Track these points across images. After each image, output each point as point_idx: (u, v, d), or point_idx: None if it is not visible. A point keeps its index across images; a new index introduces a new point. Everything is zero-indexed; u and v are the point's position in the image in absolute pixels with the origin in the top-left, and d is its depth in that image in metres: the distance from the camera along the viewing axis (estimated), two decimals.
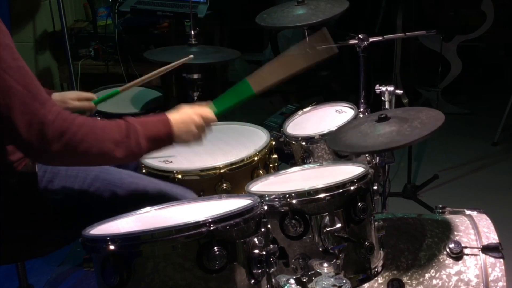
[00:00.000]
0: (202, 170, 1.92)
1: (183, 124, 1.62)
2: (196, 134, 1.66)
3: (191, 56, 2.22)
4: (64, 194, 1.67)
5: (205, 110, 1.70)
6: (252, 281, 1.28)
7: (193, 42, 2.62)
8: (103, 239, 1.23)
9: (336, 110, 2.29)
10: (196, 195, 1.82)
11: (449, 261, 1.76)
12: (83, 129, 1.44)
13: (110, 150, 1.48)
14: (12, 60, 1.39)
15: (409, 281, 1.74)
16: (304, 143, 2.12)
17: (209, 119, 1.70)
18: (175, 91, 3.93)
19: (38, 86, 1.43)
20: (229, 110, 1.79)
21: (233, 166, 1.94)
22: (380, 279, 1.75)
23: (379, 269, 1.62)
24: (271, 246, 1.32)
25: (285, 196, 1.50)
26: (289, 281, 1.38)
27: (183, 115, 1.64)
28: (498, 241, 1.78)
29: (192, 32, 2.62)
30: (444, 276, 1.74)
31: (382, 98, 2.16)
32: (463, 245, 1.77)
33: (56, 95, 1.98)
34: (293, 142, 2.16)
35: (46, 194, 1.66)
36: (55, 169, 1.67)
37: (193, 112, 1.66)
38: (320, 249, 1.51)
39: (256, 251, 1.28)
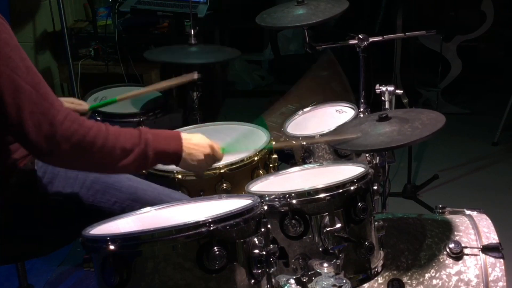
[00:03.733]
0: None
1: (193, 148, 1.61)
2: (201, 163, 1.64)
3: (195, 75, 2.21)
4: (63, 195, 1.67)
5: (217, 146, 1.69)
6: (252, 281, 1.28)
7: (193, 42, 2.62)
8: (103, 239, 1.23)
9: (336, 110, 2.29)
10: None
11: (449, 261, 1.76)
12: (92, 132, 1.43)
13: (119, 157, 1.47)
14: (21, 60, 1.39)
15: (409, 281, 1.74)
16: (304, 143, 2.12)
17: (217, 155, 1.69)
18: (175, 91, 3.93)
19: (47, 86, 1.43)
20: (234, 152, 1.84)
21: (233, 166, 1.94)
22: (380, 279, 1.75)
23: (379, 269, 1.62)
24: (271, 246, 1.32)
25: (285, 196, 1.50)
26: (289, 281, 1.38)
27: (196, 140, 1.64)
28: (498, 241, 1.78)
29: (192, 32, 2.62)
30: (444, 276, 1.74)
31: (382, 98, 2.16)
32: (463, 245, 1.77)
33: None
34: (293, 142, 2.16)
35: (45, 195, 1.66)
36: (55, 170, 1.67)
37: (206, 142, 1.66)
38: (320, 249, 1.51)
39: (256, 251, 1.28)
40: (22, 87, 1.37)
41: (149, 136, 1.53)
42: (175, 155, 1.59)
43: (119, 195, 1.71)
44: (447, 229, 1.84)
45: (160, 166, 1.95)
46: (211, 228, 1.21)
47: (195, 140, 1.64)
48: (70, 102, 2.01)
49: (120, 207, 1.69)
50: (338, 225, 1.49)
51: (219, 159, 1.71)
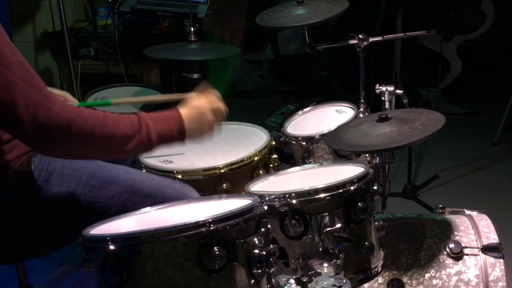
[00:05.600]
0: (202, 170, 1.92)
1: (194, 121, 1.60)
2: (207, 131, 1.64)
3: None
4: (61, 193, 1.67)
5: (215, 103, 1.67)
6: (252, 281, 1.28)
7: (192, 39, 2.62)
8: (103, 239, 1.23)
9: (336, 110, 2.29)
10: (194, 190, 1.82)
11: (449, 261, 1.76)
12: (90, 120, 1.44)
13: (120, 143, 1.48)
14: (12, 55, 1.39)
15: (409, 281, 1.74)
16: (304, 143, 2.12)
17: (221, 112, 1.67)
18: (175, 91, 3.93)
19: (40, 80, 1.43)
20: (228, 84, 1.77)
21: (233, 166, 1.94)
22: (380, 279, 1.75)
23: (379, 269, 1.62)
24: (271, 246, 1.32)
25: (285, 196, 1.50)
26: (289, 281, 1.38)
27: (195, 111, 1.62)
28: (498, 241, 1.78)
29: (192, 29, 2.62)
30: (444, 276, 1.74)
31: (382, 98, 2.16)
32: (463, 245, 1.77)
33: None
34: (293, 142, 2.16)
35: (42, 194, 1.66)
36: (50, 167, 1.67)
37: (204, 108, 1.63)
38: (320, 249, 1.51)
39: (256, 251, 1.28)
40: (15, 82, 1.37)
41: (149, 121, 1.52)
42: (179, 136, 1.58)
43: (116, 188, 1.71)
44: (447, 229, 1.84)
45: (160, 166, 1.96)
46: (211, 228, 1.21)
47: (195, 112, 1.61)
48: (62, 97, 2.01)
49: (119, 200, 1.70)
50: (338, 225, 1.49)
51: (223, 114, 1.68)
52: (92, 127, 1.44)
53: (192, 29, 2.63)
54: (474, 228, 1.84)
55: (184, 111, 1.61)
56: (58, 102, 1.42)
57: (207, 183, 1.91)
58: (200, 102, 1.65)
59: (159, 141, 1.54)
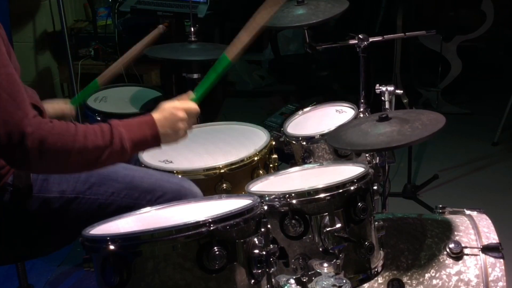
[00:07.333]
0: (202, 170, 1.92)
1: (167, 123, 1.57)
2: (182, 130, 1.61)
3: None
4: (60, 191, 1.67)
5: (186, 103, 1.64)
6: (252, 281, 1.28)
7: (193, 39, 2.62)
8: (103, 239, 1.23)
9: (336, 110, 2.29)
10: (192, 183, 1.81)
11: (449, 261, 1.76)
12: (63, 137, 1.41)
13: (94, 156, 1.45)
14: (2, 66, 1.38)
15: (409, 281, 1.74)
16: (304, 143, 2.12)
17: (193, 111, 1.63)
18: (175, 91, 3.92)
19: (24, 94, 1.41)
20: (209, 89, 1.73)
21: (233, 166, 1.94)
22: (380, 279, 1.75)
23: (379, 269, 1.62)
24: (271, 246, 1.32)
25: (285, 196, 1.50)
26: (289, 281, 1.38)
27: (167, 113, 1.58)
28: (498, 241, 1.78)
29: (192, 29, 2.62)
30: (444, 276, 1.74)
31: (382, 98, 2.16)
32: (463, 245, 1.77)
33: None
34: (293, 142, 2.16)
35: (42, 193, 1.66)
36: None
37: (175, 108, 1.60)
38: (320, 249, 1.51)
39: (256, 251, 1.28)
40: None
41: (122, 129, 1.49)
42: (153, 139, 1.55)
43: (116, 185, 1.71)
44: (447, 229, 1.84)
45: (160, 166, 1.95)
46: (211, 228, 1.21)
47: (165, 113, 1.58)
48: (59, 109, 1.98)
49: (118, 196, 1.70)
50: (338, 225, 1.49)
51: (196, 112, 1.65)
52: (64, 143, 1.41)
53: (192, 29, 2.63)
54: (474, 228, 1.84)
55: (156, 115, 1.58)
56: (34, 120, 1.40)
57: (207, 183, 1.91)
58: (172, 104, 1.62)
59: (133, 148, 1.51)
